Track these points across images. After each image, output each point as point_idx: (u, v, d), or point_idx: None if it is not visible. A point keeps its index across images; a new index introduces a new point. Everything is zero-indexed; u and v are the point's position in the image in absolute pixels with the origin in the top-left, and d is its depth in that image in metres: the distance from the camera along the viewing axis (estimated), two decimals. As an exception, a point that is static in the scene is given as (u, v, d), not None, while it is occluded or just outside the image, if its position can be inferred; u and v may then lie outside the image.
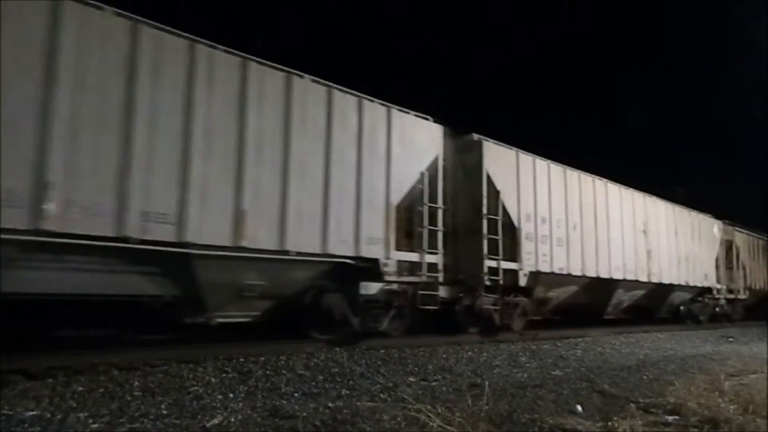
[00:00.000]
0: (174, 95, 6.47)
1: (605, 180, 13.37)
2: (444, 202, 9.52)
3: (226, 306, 7.06)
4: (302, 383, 5.59)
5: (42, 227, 5.44)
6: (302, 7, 36.37)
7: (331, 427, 4.03)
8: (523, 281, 10.62)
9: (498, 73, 42.25)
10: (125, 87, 6.10)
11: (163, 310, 6.85)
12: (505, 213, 10.44)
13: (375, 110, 8.67)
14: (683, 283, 16.03)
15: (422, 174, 9.18)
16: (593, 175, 13.00)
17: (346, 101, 8.29)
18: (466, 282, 9.93)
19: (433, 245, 9.17)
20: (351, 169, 8.20)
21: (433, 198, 9.30)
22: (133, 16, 6.28)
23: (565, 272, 11.63)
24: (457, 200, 10.16)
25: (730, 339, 13.18)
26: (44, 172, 5.49)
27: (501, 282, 10.06)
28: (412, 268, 8.88)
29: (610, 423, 4.32)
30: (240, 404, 4.63)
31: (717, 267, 18.17)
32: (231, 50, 7.10)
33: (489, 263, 9.96)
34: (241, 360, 6.18)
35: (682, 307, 16.80)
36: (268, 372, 5.87)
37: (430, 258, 9.08)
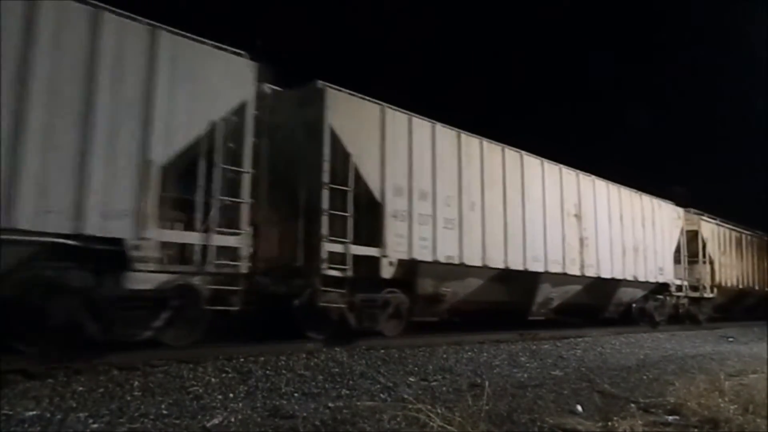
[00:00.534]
0: None
1: (521, 152, 10.99)
2: (256, 166, 7.17)
3: None
4: (302, 383, 5.59)
5: None
6: None
7: (331, 427, 4.03)
8: (387, 272, 8.33)
9: (497, 73, 42.31)
10: None
11: None
12: (361, 183, 8.15)
13: (125, 28, 6.09)
14: (630, 278, 13.53)
15: (214, 124, 6.65)
16: (503, 145, 10.64)
17: (68, 12, 5.69)
18: (303, 273, 7.84)
19: (231, 223, 6.80)
20: (71, 107, 5.63)
21: (233, 158, 6.86)
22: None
23: (455, 262, 9.34)
24: (296, 167, 8.09)
25: (730, 339, 13.19)
26: None
27: (350, 272, 7.81)
28: (198, 253, 6.49)
29: (610, 423, 4.32)
30: (240, 404, 4.63)
31: (677, 260, 15.75)
32: None
33: (330, 247, 7.68)
34: (241, 360, 6.18)
35: (634, 306, 14.45)
36: (268, 372, 5.87)
37: (224, 240, 6.67)
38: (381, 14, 42.03)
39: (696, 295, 16.56)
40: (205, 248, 6.53)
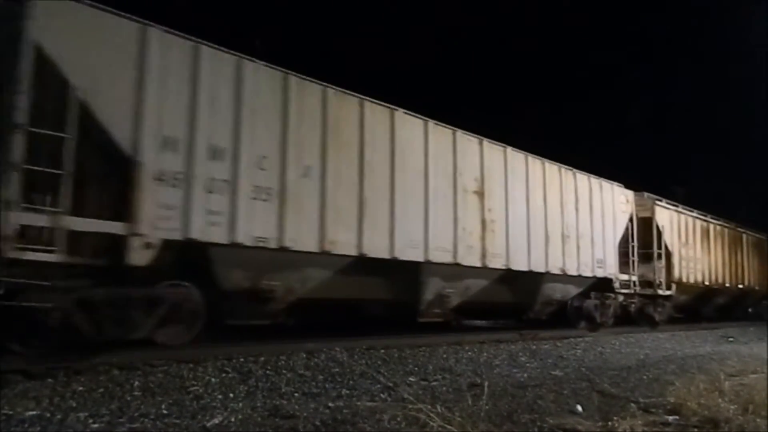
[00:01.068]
0: None
1: (392, 107, 8.73)
2: None
3: None
4: (302, 383, 5.59)
5: None
6: None
7: (331, 427, 4.03)
8: (139, 257, 6.11)
9: (497, 73, 42.31)
10: None
11: None
12: (94, 127, 5.99)
13: None
14: (557, 271, 11.29)
15: None
16: (363, 96, 8.36)
17: None
18: None
19: None
20: None
21: None
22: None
23: (272, 245, 7.16)
24: None
25: (730, 339, 13.19)
26: None
27: (60, 256, 5.63)
28: None
29: (610, 423, 4.32)
30: (240, 404, 4.62)
31: (622, 252, 13.40)
32: None
33: (25, 218, 5.54)
34: (241, 360, 6.17)
35: (569, 305, 12.34)
36: (268, 372, 5.87)
37: None
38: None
39: (649, 292, 14.35)
40: None
